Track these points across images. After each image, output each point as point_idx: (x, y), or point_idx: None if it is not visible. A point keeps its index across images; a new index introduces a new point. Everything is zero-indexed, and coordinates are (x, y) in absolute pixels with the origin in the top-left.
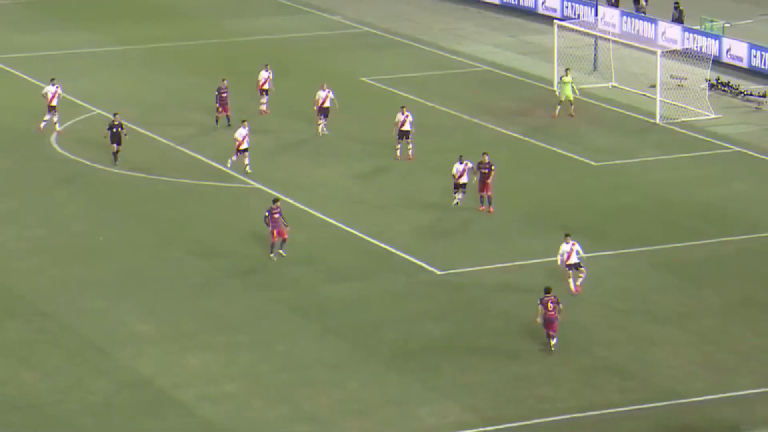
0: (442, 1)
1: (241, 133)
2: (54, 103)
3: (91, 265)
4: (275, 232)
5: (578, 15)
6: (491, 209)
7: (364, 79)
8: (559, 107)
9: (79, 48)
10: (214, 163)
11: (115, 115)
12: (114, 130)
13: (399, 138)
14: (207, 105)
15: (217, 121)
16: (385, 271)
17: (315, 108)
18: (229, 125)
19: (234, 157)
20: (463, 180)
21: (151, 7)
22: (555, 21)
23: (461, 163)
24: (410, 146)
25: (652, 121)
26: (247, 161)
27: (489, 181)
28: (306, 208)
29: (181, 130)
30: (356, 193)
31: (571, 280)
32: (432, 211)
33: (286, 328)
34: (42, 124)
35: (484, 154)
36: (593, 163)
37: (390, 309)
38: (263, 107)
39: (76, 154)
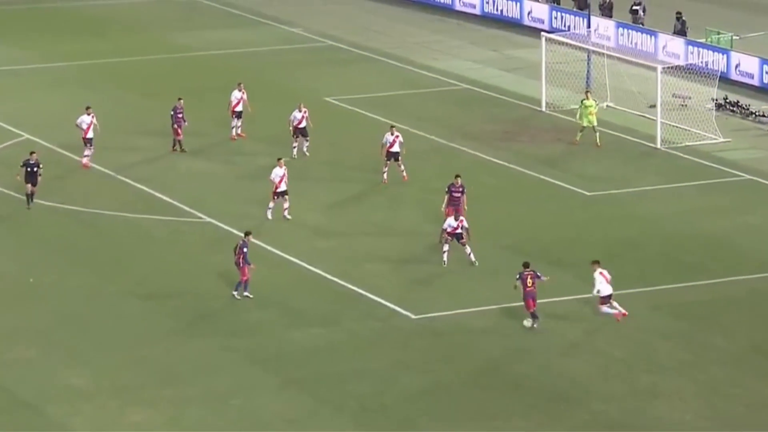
0: (415, 11)
1: (277, 173)
2: (90, 135)
3: (19, 310)
4: (246, 269)
5: (569, 27)
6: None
7: (327, 98)
8: (580, 134)
9: (3, 65)
10: (158, 194)
11: (31, 153)
12: (30, 169)
13: (387, 160)
14: (150, 128)
15: (174, 144)
16: (354, 315)
17: (290, 129)
18: (181, 150)
19: (271, 204)
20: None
21: (85, 19)
22: (543, 33)
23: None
24: (402, 168)
25: (651, 145)
26: (286, 205)
27: (460, 205)
28: (263, 244)
29: (121, 157)
30: (320, 226)
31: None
32: (406, 246)
33: (240, 380)
34: (84, 160)
35: (456, 176)
36: (586, 193)
37: (359, 358)
38: (237, 131)
39: (0, 185)
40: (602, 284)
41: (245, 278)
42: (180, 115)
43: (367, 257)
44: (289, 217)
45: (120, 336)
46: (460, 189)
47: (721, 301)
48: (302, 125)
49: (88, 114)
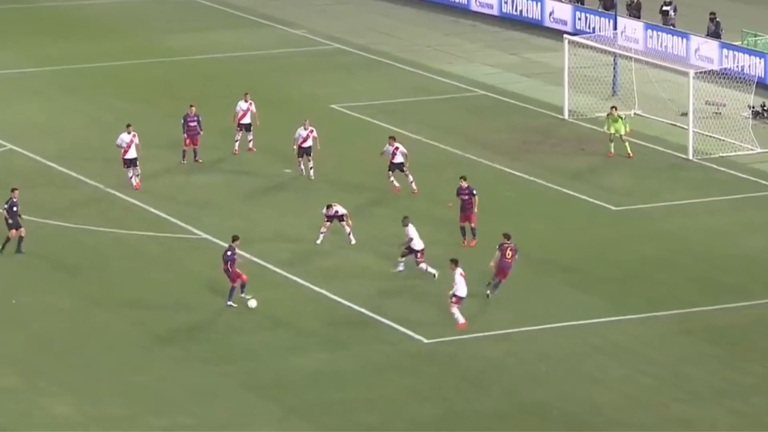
0: (428, 12)
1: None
2: (131, 155)
3: (0, 334)
4: (235, 275)
5: (593, 28)
6: (473, 242)
7: (333, 106)
8: (612, 144)
9: None
10: (150, 209)
11: (13, 191)
12: (10, 211)
13: (391, 171)
14: (142, 138)
15: (183, 156)
16: (361, 339)
17: (294, 148)
18: (195, 160)
19: (347, 231)
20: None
21: (72, 20)
22: (565, 36)
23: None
24: (410, 178)
25: (683, 156)
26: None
27: (471, 209)
28: (265, 264)
29: (110, 168)
30: (325, 243)
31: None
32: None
33: (238, 408)
34: (134, 181)
35: (461, 178)
36: (612, 208)
37: (367, 385)
38: (249, 145)
39: None
40: (462, 285)
41: (235, 285)
42: (192, 124)
43: (376, 277)
44: (353, 242)
45: (108, 361)
46: (467, 191)
47: (759, 324)
48: (307, 144)
49: (129, 132)
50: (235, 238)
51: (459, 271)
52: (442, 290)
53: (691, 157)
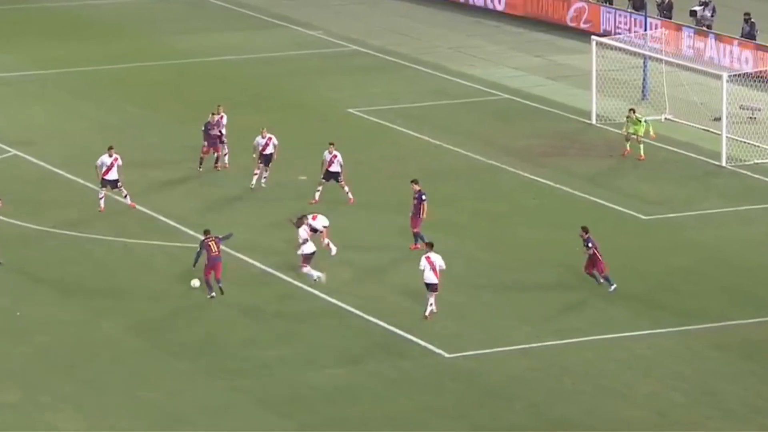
0: (450, 12)
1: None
2: (112, 176)
3: (3, 347)
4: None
5: (622, 29)
6: (414, 246)
7: (350, 110)
8: (628, 144)
9: None
10: (159, 217)
11: None
12: None
13: (324, 180)
14: (149, 143)
15: (200, 163)
16: (379, 353)
17: (255, 155)
18: (215, 167)
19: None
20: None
21: (78, 21)
22: (593, 37)
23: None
24: (345, 189)
25: (716, 163)
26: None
27: (419, 214)
28: (276, 273)
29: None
30: (341, 253)
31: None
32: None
33: (251, 425)
34: (128, 200)
35: (413, 182)
36: (642, 217)
37: (385, 402)
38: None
39: None
40: (428, 272)
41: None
42: (213, 132)
43: (395, 288)
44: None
45: (116, 376)
46: (417, 196)
47: None
48: (267, 152)
49: (110, 155)
50: (206, 232)
51: (428, 254)
52: (465, 303)
53: (724, 163)
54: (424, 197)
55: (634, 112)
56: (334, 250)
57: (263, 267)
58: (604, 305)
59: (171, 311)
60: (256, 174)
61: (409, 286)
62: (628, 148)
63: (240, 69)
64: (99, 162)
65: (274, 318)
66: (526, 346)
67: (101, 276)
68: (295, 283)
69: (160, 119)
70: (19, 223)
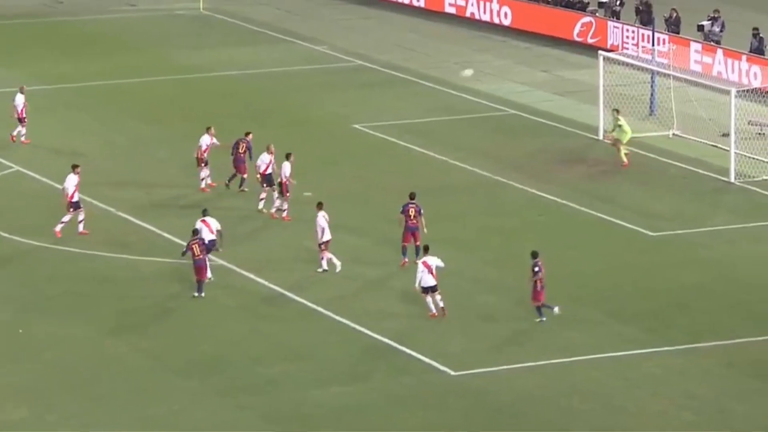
0: (456, 26)
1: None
2: (77, 197)
3: (8, 365)
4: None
5: (629, 44)
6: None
7: (356, 125)
8: (623, 152)
9: None
10: (164, 234)
11: None
12: None
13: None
14: (154, 159)
15: (230, 179)
16: (385, 370)
17: (258, 175)
18: (241, 188)
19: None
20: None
21: (81, 36)
22: (600, 52)
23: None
24: (284, 205)
25: (725, 179)
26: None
27: (416, 224)
28: (282, 290)
29: (121, 191)
30: (347, 271)
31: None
32: (442, 294)
33: None
34: (58, 227)
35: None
36: (650, 233)
37: (391, 420)
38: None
39: None
40: (425, 274)
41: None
42: (241, 154)
43: (400, 305)
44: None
45: (122, 393)
46: (414, 205)
47: None
48: (269, 171)
49: (76, 173)
50: (195, 232)
51: (425, 259)
52: (470, 320)
53: (733, 180)
54: (421, 210)
55: (617, 113)
56: (338, 265)
57: (270, 285)
58: (611, 323)
59: (177, 329)
60: (262, 198)
61: (414, 303)
62: (625, 160)
63: (245, 84)
64: (67, 183)
65: (280, 335)
66: (534, 363)
67: (106, 293)
68: (301, 300)
69: (166, 135)
70: (22, 239)
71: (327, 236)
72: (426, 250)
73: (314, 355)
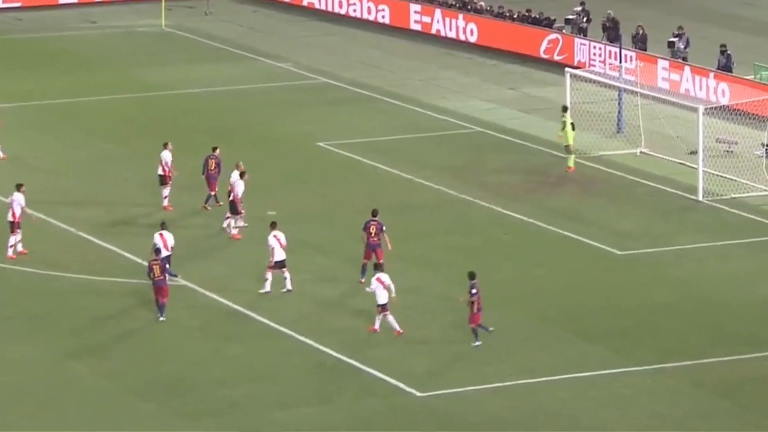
0: (421, 43)
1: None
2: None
3: None
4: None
5: (596, 61)
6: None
7: (321, 143)
8: (572, 157)
9: None
10: (126, 254)
11: None
12: None
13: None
14: (116, 178)
15: (207, 200)
16: (350, 392)
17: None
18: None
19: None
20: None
21: (42, 54)
22: (567, 69)
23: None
24: (236, 222)
25: (692, 197)
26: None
27: (378, 241)
28: (245, 310)
29: (82, 211)
30: (311, 291)
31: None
32: (407, 313)
33: None
34: (11, 252)
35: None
36: (617, 252)
37: None
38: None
39: None
40: (380, 290)
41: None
42: (212, 171)
43: (365, 325)
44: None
45: (81, 416)
46: (376, 222)
47: None
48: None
49: (21, 191)
50: (158, 251)
51: (378, 275)
52: (436, 340)
53: (700, 198)
54: (384, 228)
55: (565, 111)
56: (288, 285)
57: (233, 305)
58: (579, 342)
59: (138, 350)
60: (228, 218)
61: (377, 322)
62: (571, 165)
63: (208, 102)
64: (14, 202)
65: (243, 356)
66: (500, 384)
67: (65, 314)
68: (264, 320)
69: (128, 153)
70: None
71: (278, 256)
72: (379, 268)
73: (278, 376)
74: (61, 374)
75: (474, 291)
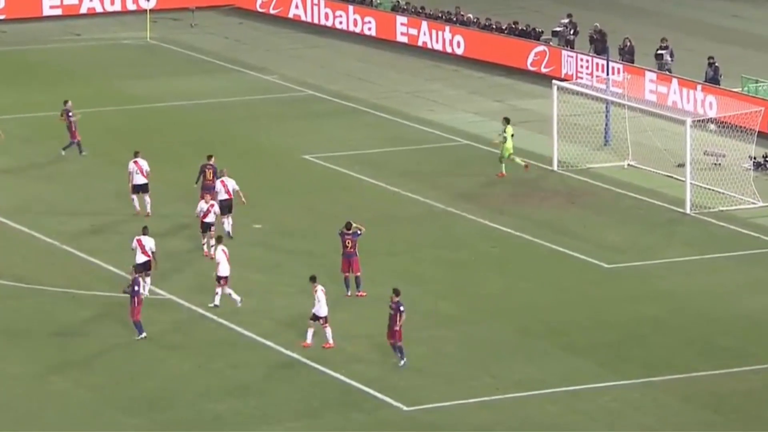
0: (407, 56)
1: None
2: None
3: None
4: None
5: (584, 74)
6: (361, 293)
7: (306, 156)
8: (503, 164)
9: None
10: (110, 268)
11: None
12: None
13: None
14: (100, 192)
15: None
16: (335, 406)
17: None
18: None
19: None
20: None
21: (24, 66)
22: (554, 81)
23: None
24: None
25: (680, 210)
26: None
27: (353, 251)
28: (229, 324)
29: (66, 224)
30: (296, 304)
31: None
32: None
33: None
34: None
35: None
36: (605, 265)
37: None
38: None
39: None
40: (321, 303)
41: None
42: (209, 181)
43: (350, 339)
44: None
45: (64, 431)
46: (351, 232)
47: (764, 390)
48: (225, 197)
49: None
50: (138, 270)
51: (319, 288)
52: (423, 354)
53: (688, 211)
54: (360, 231)
55: (507, 122)
56: (238, 300)
57: (217, 318)
58: (566, 356)
59: (121, 364)
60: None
61: (363, 336)
62: (503, 171)
63: (194, 115)
64: None
65: (227, 370)
66: (487, 398)
67: (48, 328)
68: (249, 334)
69: (113, 166)
70: None
71: (224, 272)
72: (314, 279)
73: (262, 391)
74: (44, 388)
75: (395, 307)
